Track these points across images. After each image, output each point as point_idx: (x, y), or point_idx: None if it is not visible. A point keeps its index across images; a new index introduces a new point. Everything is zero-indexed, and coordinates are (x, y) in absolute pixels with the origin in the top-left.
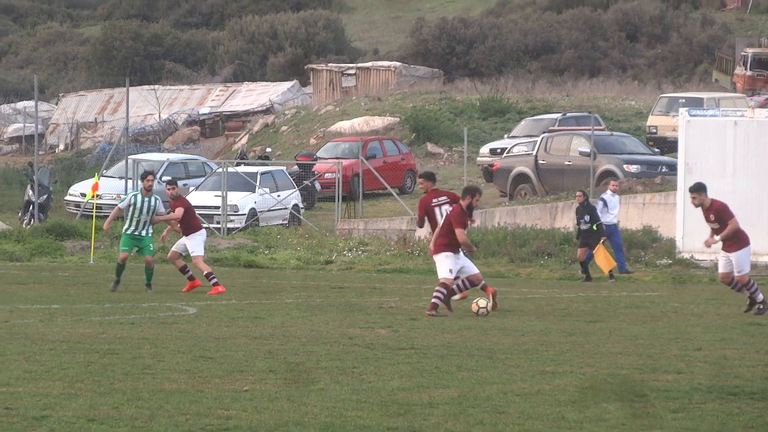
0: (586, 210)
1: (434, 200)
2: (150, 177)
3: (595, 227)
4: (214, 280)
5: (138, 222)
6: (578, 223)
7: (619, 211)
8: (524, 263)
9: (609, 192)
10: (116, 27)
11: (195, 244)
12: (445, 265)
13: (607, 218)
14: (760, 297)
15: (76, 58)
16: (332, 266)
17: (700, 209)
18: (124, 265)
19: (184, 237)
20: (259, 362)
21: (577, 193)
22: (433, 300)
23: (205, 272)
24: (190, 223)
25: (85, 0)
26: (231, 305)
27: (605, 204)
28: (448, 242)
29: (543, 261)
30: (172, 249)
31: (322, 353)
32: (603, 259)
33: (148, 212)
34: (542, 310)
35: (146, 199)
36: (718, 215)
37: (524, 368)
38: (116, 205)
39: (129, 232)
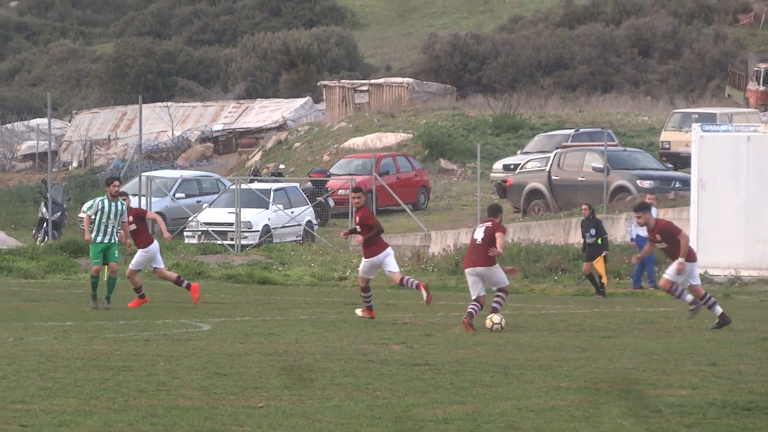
0: (591, 223)
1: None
2: (116, 182)
3: (600, 241)
4: (142, 292)
5: (106, 227)
6: (584, 237)
7: None
8: (538, 279)
9: None
10: (129, 44)
11: (139, 260)
12: (504, 274)
13: (643, 231)
14: (689, 301)
15: (89, 76)
16: (346, 282)
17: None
18: (98, 278)
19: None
20: (273, 378)
21: (583, 207)
22: (496, 305)
23: (136, 287)
24: (144, 236)
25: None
26: (245, 322)
27: None
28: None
29: (557, 277)
30: (157, 269)
31: (337, 369)
32: (602, 269)
33: (115, 217)
34: (556, 325)
35: (113, 204)
36: (664, 234)
37: (538, 384)
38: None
39: (98, 241)
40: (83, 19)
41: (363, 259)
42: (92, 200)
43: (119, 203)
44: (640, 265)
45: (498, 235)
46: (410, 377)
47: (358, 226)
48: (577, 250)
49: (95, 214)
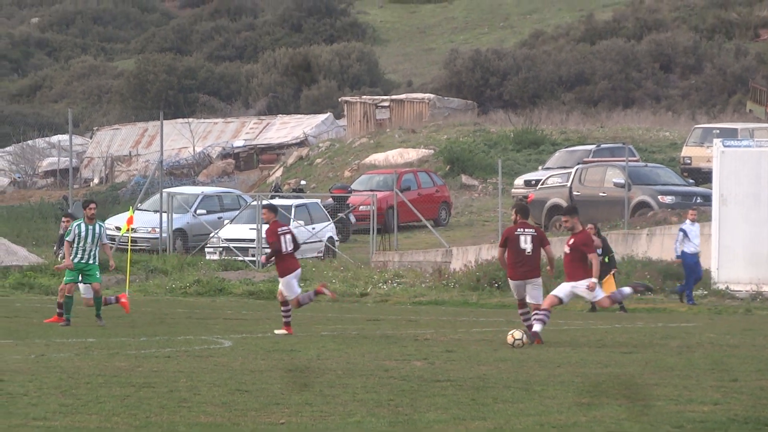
0: None
1: (279, 230)
2: (92, 205)
3: (606, 259)
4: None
5: (84, 251)
6: None
7: (699, 240)
8: None
9: (688, 221)
10: (150, 60)
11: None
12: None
13: (688, 248)
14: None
15: (110, 92)
16: (367, 298)
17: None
18: (72, 297)
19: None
20: (294, 395)
21: (588, 226)
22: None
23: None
24: None
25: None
26: (266, 338)
27: (685, 234)
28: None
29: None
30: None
31: (358, 385)
32: (613, 288)
33: (93, 240)
34: (578, 341)
35: (90, 227)
36: (579, 243)
37: (560, 400)
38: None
39: (75, 261)
40: (104, 35)
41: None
42: (70, 226)
43: (96, 226)
44: (688, 281)
45: (548, 249)
46: (432, 393)
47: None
48: None
49: (74, 239)
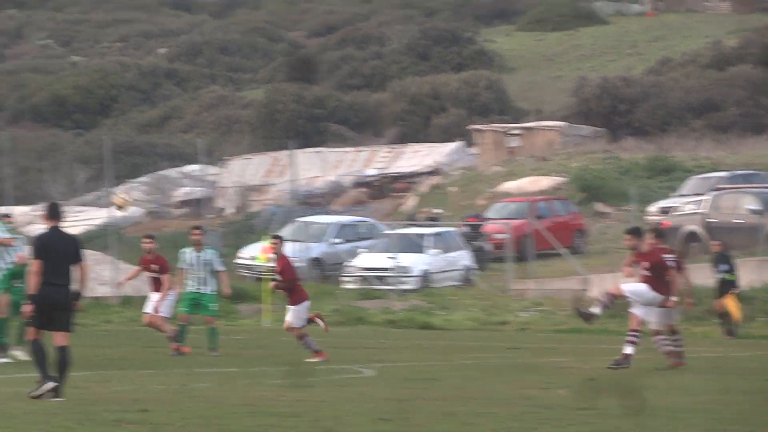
0: (722, 259)
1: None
2: (196, 231)
3: (728, 276)
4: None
5: (193, 279)
6: (717, 272)
7: None
8: (698, 321)
9: None
10: (278, 90)
11: (167, 304)
12: None
13: None
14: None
15: (239, 122)
16: (507, 327)
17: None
18: (185, 327)
19: (153, 293)
20: (438, 424)
21: (717, 242)
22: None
23: (169, 334)
24: (164, 281)
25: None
26: (408, 367)
27: None
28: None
29: (717, 320)
30: (149, 312)
31: (501, 414)
32: (733, 307)
33: (201, 268)
34: (719, 368)
35: (197, 254)
36: (659, 264)
37: (704, 427)
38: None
39: (189, 289)
40: (231, 65)
41: (290, 308)
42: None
43: (205, 252)
44: None
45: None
46: (576, 422)
47: (278, 274)
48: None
49: (184, 267)
